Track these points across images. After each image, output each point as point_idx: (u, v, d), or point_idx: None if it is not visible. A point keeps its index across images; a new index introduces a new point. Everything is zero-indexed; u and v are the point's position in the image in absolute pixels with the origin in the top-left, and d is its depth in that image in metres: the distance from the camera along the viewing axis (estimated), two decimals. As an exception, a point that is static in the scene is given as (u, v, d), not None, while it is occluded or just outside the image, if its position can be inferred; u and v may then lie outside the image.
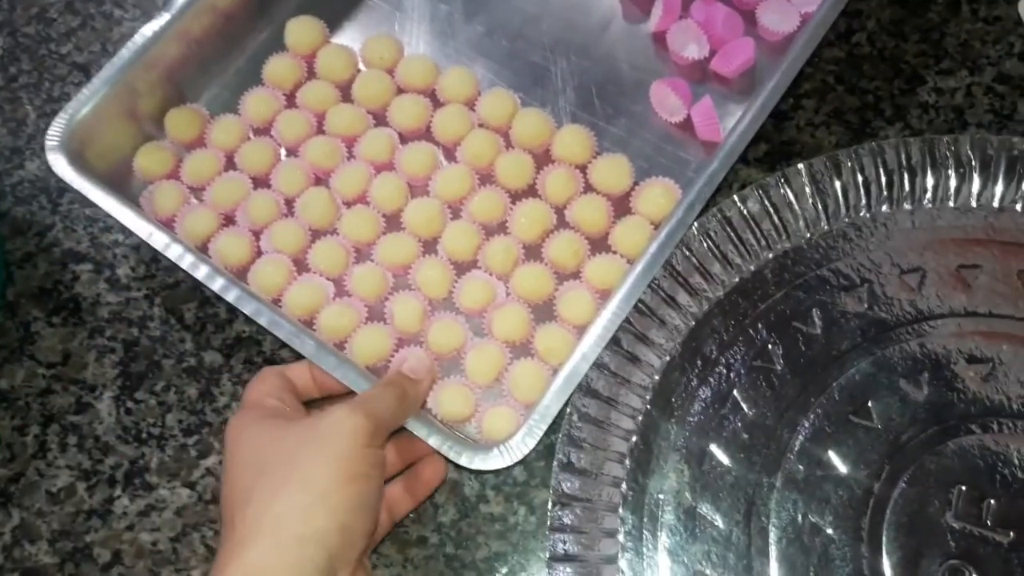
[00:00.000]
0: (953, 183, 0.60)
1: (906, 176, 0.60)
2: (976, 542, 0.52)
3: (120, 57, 0.62)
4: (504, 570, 0.56)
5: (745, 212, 0.60)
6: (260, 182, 0.64)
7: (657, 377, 0.57)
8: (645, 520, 0.54)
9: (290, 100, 0.66)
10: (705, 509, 0.54)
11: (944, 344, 0.57)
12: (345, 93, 0.66)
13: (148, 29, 0.62)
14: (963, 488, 0.54)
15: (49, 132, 0.60)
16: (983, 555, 0.52)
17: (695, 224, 0.59)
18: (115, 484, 0.58)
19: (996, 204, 0.60)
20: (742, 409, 0.56)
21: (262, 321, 0.56)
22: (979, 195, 0.60)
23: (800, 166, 0.60)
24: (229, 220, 0.63)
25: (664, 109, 0.64)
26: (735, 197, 0.60)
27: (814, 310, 0.58)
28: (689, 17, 0.66)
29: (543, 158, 0.64)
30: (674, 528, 0.54)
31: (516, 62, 0.67)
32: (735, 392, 0.57)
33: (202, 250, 0.61)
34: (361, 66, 0.67)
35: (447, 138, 0.64)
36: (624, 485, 0.55)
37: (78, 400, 0.60)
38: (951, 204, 0.60)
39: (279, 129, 0.64)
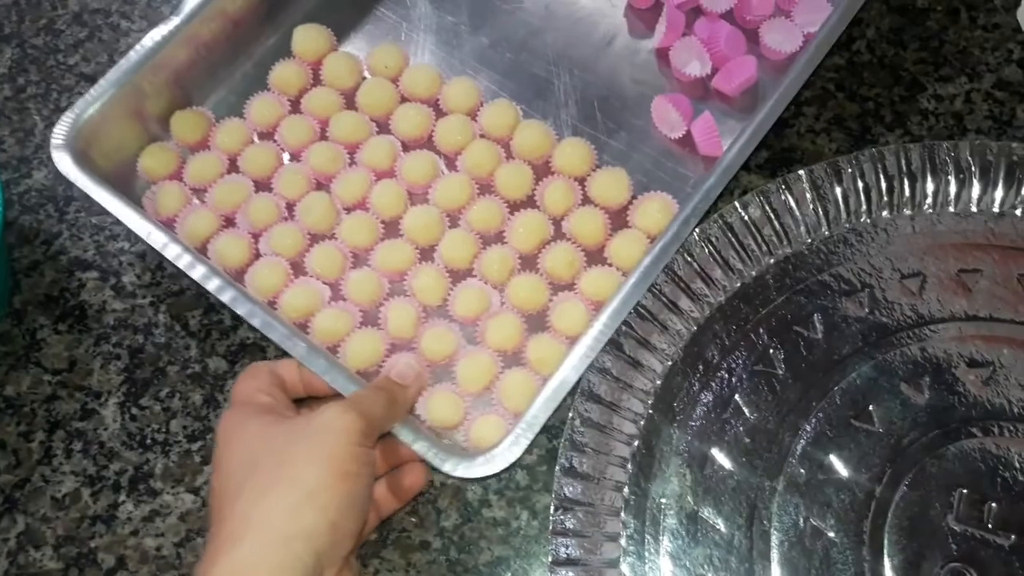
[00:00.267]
0: (953, 188, 0.60)
1: (906, 182, 0.61)
2: (977, 545, 0.52)
3: (128, 59, 0.62)
4: (507, 574, 0.56)
5: (746, 218, 0.60)
6: (262, 185, 0.64)
7: (659, 382, 0.57)
8: (647, 524, 0.54)
9: (295, 106, 0.67)
10: (707, 513, 0.54)
11: (945, 348, 0.57)
12: (349, 100, 0.66)
13: (158, 33, 0.63)
14: (964, 491, 0.54)
15: (55, 130, 0.60)
16: (984, 558, 0.52)
17: (696, 230, 0.59)
18: (120, 490, 0.59)
19: (996, 209, 0.60)
20: (744, 413, 0.57)
21: (255, 322, 0.56)
22: (979, 200, 0.60)
23: (801, 172, 0.61)
24: (229, 222, 0.63)
25: (665, 124, 0.65)
26: (736, 203, 0.60)
27: (815, 315, 0.59)
28: (693, 34, 0.67)
29: (543, 169, 0.64)
30: (676, 532, 0.54)
31: (519, 74, 0.68)
32: (737, 396, 0.57)
33: (202, 251, 0.61)
34: (366, 74, 0.68)
35: (448, 147, 0.64)
36: (626, 489, 0.55)
37: (83, 406, 0.61)
38: (951, 209, 0.60)
39: (283, 134, 0.65)
